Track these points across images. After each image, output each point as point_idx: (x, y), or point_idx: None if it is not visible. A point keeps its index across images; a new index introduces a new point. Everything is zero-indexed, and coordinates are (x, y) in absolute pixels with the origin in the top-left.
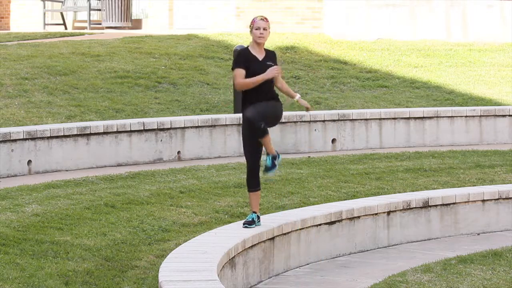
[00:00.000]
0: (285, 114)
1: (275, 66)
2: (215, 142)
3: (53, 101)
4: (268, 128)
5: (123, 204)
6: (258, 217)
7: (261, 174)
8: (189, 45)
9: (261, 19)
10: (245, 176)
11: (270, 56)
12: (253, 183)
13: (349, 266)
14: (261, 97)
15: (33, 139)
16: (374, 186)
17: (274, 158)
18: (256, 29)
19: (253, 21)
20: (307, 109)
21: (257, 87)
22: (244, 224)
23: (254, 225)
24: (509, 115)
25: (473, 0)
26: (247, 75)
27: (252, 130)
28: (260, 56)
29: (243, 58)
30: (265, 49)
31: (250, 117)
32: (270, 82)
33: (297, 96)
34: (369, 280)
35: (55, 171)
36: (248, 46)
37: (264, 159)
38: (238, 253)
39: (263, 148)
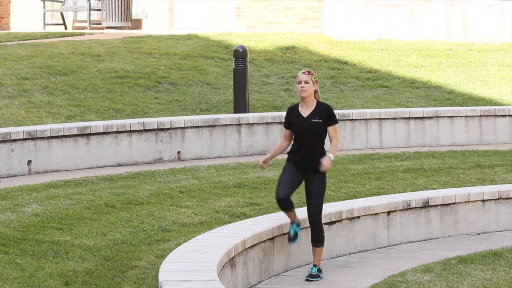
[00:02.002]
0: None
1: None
2: (215, 142)
3: (53, 101)
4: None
5: (123, 204)
6: (298, 225)
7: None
8: (189, 45)
9: (303, 72)
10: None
11: (319, 111)
12: (284, 209)
13: (349, 266)
14: (300, 151)
15: (33, 139)
16: (374, 186)
17: (320, 271)
18: (298, 83)
19: (296, 76)
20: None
21: (298, 141)
22: (289, 240)
23: (296, 240)
24: (509, 115)
25: (473, 0)
26: (292, 131)
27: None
28: (307, 111)
29: (287, 116)
30: (318, 102)
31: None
32: (312, 140)
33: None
34: (369, 280)
35: (55, 171)
36: (299, 102)
37: (310, 267)
38: (238, 253)
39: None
